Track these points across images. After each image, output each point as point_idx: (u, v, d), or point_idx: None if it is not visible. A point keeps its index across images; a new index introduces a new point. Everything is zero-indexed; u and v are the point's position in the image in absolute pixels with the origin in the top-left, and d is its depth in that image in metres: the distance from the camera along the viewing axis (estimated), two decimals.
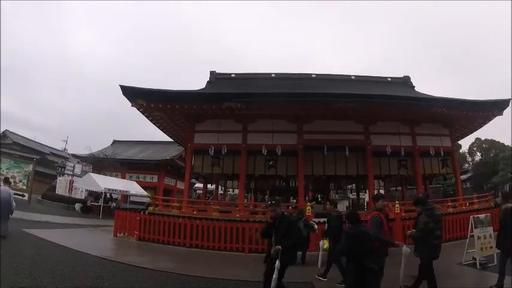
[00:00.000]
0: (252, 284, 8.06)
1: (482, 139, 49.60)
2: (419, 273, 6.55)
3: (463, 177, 29.25)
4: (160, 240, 13.40)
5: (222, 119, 16.12)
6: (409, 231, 7.11)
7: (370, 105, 14.40)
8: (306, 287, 7.99)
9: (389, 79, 20.49)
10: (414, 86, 19.90)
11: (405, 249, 6.66)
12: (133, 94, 14.07)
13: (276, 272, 5.48)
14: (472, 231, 9.13)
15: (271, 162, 15.79)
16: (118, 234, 15.17)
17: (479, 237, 9.00)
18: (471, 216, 9.66)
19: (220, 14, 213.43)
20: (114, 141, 43.33)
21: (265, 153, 15.53)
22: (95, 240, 14.35)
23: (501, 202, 8.00)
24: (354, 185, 26.26)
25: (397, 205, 13.44)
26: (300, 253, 9.97)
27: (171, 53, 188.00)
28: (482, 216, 9.64)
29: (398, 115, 16.02)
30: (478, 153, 52.00)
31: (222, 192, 26.32)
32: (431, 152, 16.48)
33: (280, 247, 5.53)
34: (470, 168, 50.01)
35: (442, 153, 16.70)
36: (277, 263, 5.52)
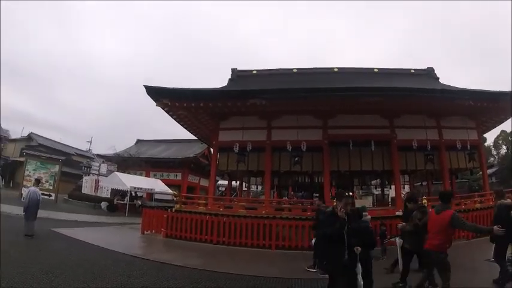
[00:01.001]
0: (281, 280, 8.10)
1: (508, 131, 47.39)
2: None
3: (489, 171, 28.52)
4: (187, 237, 13.53)
5: (246, 116, 16.04)
6: (400, 225, 7.68)
7: (396, 99, 14.02)
8: None
9: (413, 71, 19.98)
10: (438, 78, 19.33)
11: (398, 241, 7.63)
12: (157, 94, 14.10)
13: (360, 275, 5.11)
14: None
15: (296, 159, 15.66)
16: (145, 232, 15.35)
17: None
18: None
19: (237, 13, 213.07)
20: (138, 141, 43.96)
21: (290, 149, 15.37)
22: (123, 238, 14.60)
23: (495, 199, 7.99)
24: (377, 180, 25.92)
25: (425, 201, 13.00)
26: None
27: (190, 53, 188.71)
28: None
29: (424, 108, 15.55)
30: (504, 147, 50.08)
31: (246, 188, 26.29)
32: (457, 146, 15.98)
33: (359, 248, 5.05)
34: (495, 162, 48.58)
35: (468, 146, 16.19)
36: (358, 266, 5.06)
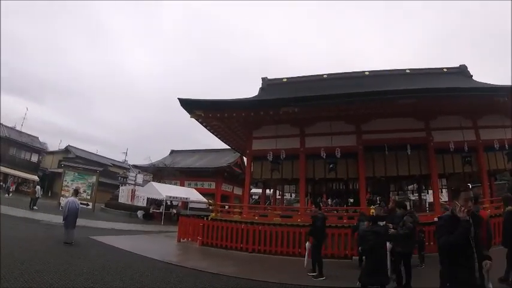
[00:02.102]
0: None
1: None
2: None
3: None
4: (222, 246, 13.66)
5: (279, 124, 16.05)
6: (391, 231, 7.65)
7: (431, 100, 13.59)
8: None
9: (445, 69, 19.32)
10: (472, 76, 18.54)
11: (389, 245, 7.80)
12: (191, 106, 14.38)
13: None
14: None
15: (331, 165, 15.48)
16: (181, 240, 15.54)
17: None
18: None
19: (263, 25, 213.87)
20: (172, 151, 44.94)
21: (324, 156, 15.22)
22: (159, 246, 14.79)
23: (504, 205, 8.04)
24: (414, 185, 25.30)
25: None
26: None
27: (219, 64, 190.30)
28: None
29: (461, 108, 14.96)
30: None
31: (280, 196, 26.20)
32: (495, 146, 15.24)
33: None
34: None
35: (506, 146, 15.47)
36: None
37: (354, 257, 11.77)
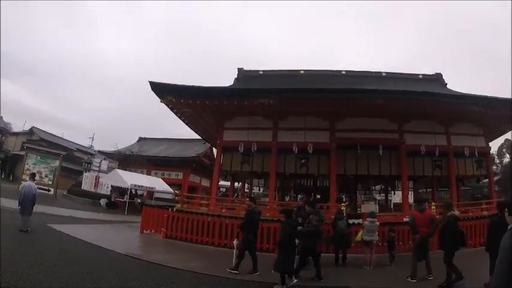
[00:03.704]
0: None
1: None
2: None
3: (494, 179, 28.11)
4: (187, 239, 12.86)
5: (253, 115, 15.60)
6: (299, 228, 8.23)
7: (404, 102, 13.75)
8: None
9: (421, 76, 19.71)
10: (447, 84, 19.04)
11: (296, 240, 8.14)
12: (162, 90, 13.63)
13: None
14: None
15: (303, 161, 15.23)
16: (144, 231, 14.71)
17: None
18: None
19: (242, 15, 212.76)
20: (140, 139, 43.18)
21: (296, 151, 14.95)
22: (121, 237, 14.06)
23: (444, 210, 8.40)
24: (381, 185, 25.35)
25: (433, 207, 13.01)
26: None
27: (196, 55, 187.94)
28: None
29: (433, 113, 15.21)
30: (507, 155, 49.67)
31: (248, 190, 25.67)
32: (465, 152, 15.64)
33: None
34: (498, 170, 47.93)
35: (476, 153, 15.87)
36: None
37: (322, 254, 10.75)
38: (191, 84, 13.94)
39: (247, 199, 10.57)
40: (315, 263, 8.45)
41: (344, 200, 22.98)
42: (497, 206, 8.75)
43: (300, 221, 8.48)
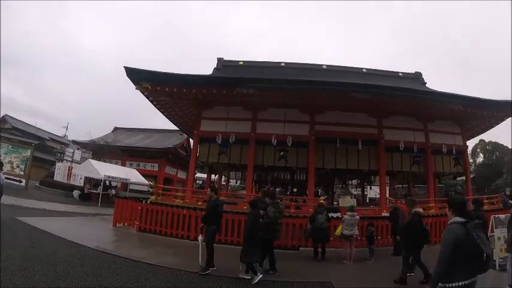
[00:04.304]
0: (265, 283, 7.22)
1: (486, 141, 49.49)
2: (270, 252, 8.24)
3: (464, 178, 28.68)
4: (162, 232, 12.19)
5: (231, 106, 15.08)
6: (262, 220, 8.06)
7: (387, 98, 13.50)
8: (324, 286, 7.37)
9: (401, 74, 19.60)
10: (426, 83, 19.09)
11: None
12: (138, 76, 12.81)
13: None
14: (492, 231, 8.68)
15: (281, 153, 14.85)
16: (117, 224, 13.87)
17: (499, 238, 8.58)
18: (492, 216, 9.11)
19: (226, 12, 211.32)
20: (116, 128, 41.69)
21: (275, 143, 14.62)
22: (93, 231, 13.09)
23: (408, 207, 8.28)
24: (357, 180, 25.24)
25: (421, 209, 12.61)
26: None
27: (178, 50, 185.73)
28: (502, 216, 9.01)
29: (413, 110, 15.28)
30: (481, 155, 51.59)
31: (225, 183, 25.08)
32: (443, 150, 15.98)
33: None
34: (472, 169, 49.22)
35: (454, 151, 16.35)
36: None
37: (301, 248, 11.29)
38: (168, 71, 13.16)
39: (208, 189, 9.68)
40: (269, 255, 8.23)
41: (320, 193, 22.75)
42: (472, 202, 8.68)
43: (261, 213, 8.24)
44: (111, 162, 30.31)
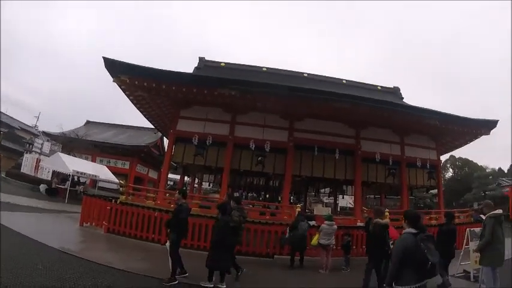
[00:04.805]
0: None
1: (457, 157, 51.29)
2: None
3: (434, 191, 29.28)
4: (132, 235, 11.41)
5: (211, 106, 14.47)
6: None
7: (367, 109, 13.31)
8: None
9: (380, 88, 19.70)
10: (403, 98, 19.32)
11: None
12: (116, 68, 12.06)
13: None
14: (467, 244, 8.97)
15: (259, 158, 14.38)
16: (85, 224, 12.98)
17: (473, 250, 8.37)
18: (467, 229, 9.34)
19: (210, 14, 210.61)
20: (88, 122, 39.64)
21: (253, 148, 14.17)
22: (58, 229, 12.28)
23: (374, 217, 7.94)
24: (329, 189, 25.01)
25: (387, 213, 12.46)
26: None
27: (153, 45, 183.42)
28: (477, 229, 8.90)
29: (391, 123, 15.17)
30: (451, 170, 53.07)
31: (197, 185, 24.35)
32: (418, 163, 16.26)
33: None
34: (436, 183, 50.64)
35: (428, 165, 16.56)
36: None
37: (276, 256, 10.88)
38: (149, 66, 12.52)
39: (176, 193, 9.02)
40: (232, 261, 7.89)
41: (292, 200, 22.44)
42: (445, 216, 9.29)
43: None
44: (80, 157, 28.85)
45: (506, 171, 55.42)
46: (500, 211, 7.25)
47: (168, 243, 7.46)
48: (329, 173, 15.30)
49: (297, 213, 10.90)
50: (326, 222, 9.88)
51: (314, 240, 9.89)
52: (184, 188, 15.32)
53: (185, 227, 7.83)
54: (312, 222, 11.32)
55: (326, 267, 9.45)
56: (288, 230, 10.18)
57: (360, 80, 19.58)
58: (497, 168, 53.74)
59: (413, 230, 3.91)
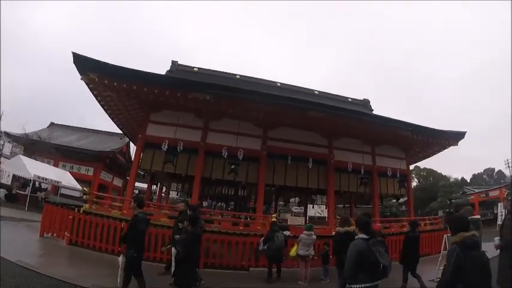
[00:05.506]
0: None
1: (421, 167, 53.23)
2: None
3: (401, 200, 29.79)
4: (96, 247, 10.38)
5: (183, 111, 13.60)
6: (177, 236, 7.65)
7: (341, 120, 13.21)
8: None
9: (350, 99, 19.72)
10: (373, 110, 19.44)
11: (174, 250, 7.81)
12: (86, 65, 10.96)
13: None
14: (445, 249, 9.20)
15: (232, 166, 13.63)
16: (45, 234, 11.76)
17: None
18: (445, 235, 9.75)
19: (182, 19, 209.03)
20: (52, 124, 37.05)
21: (225, 156, 13.50)
22: (17, 240, 10.86)
23: (341, 225, 7.95)
24: (299, 198, 24.51)
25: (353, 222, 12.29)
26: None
27: (124, 47, 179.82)
28: None
29: (363, 133, 15.19)
30: (416, 179, 54.65)
31: (165, 194, 23.21)
32: (388, 173, 16.41)
33: None
34: (406, 192, 51.94)
35: (398, 175, 16.73)
36: None
37: (251, 268, 10.46)
38: (120, 65, 11.44)
39: (132, 201, 7.92)
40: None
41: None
42: (409, 224, 9.62)
43: (180, 226, 7.86)
44: (42, 161, 27.07)
45: (469, 181, 57.38)
46: (478, 216, 7.54)
47: (121, 258, 6.45)
48: (302, 182, 14.99)
49: (271, 223, 10.19)
50: (305, 232, 9.45)
51: (293, 251, 9.52)
52: (141, 196, 14.14)
53: (143, 241, 6.79)
54: (287, 233, 10.83)
55: (305, 278, 9.11)
56: (261, 242, 9.57)
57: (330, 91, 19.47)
58: (460, 178, 55.69)
59: (364, 236, 4.20)
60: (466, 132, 15.83)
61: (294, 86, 18.80)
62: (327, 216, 16.04)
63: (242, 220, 13.30)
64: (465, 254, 3.53)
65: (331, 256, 10.40)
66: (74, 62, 10.86)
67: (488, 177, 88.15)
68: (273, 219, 10.85)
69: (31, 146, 29.20)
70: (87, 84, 11.59)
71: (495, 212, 33.42)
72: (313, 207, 23.48)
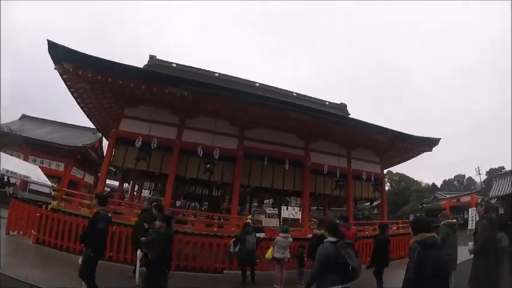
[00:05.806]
0: None
1: (394, 172, 53.97)
2: None
3: (374, 203, 30.18)
4: (64, 247, 9.83)
5: (158, 107, 13.15)
6: (143, 238, 7.16)
7: (320, 122, 13.32)
8: None
9: (327, 103, 19.73)
10: (350, 114, 19.63)
11: (139, 253, 7.38)
12: (61, 54, 10.36)
13: None
14: None
15: (208, 166, 13.22)
16: (11, 232, 11.12)
17: None
18: None
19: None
20: (24, 116, 35.39)
21: (201, 155, 13.08)
22: None
23: (318, 227, 8.06)
24: (273, 199, 24.31)
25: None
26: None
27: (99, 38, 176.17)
28: None
29: (341, 137, 15.20)
30: (388, 184, 55.26)
31: (137, 193, 22.58)
32: (363, 176, 16.53)
33: None
34: (380, 195, 52.86)
35: (373, 178, 16.88)
36: None
37: (225, 271, 10.31)
38: (97, 56, 10.87)
39: (94, 198, 7.33)
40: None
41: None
42: (379, 227, 9.87)
43: (146, 226, 7.45)
44: (12, 155, 25.88)
45: (439, 186, 58.76)
46: (454, 220, 8.02)
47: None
48: (278, 184, 14.88)
49: (244, 224, 9.88)
50: (281, 234, 9.16)
51: (268, 254, 9.19)
52: (104, 193, 13.47)
53: (104, 240, 6.25)
54: (262, 235, 10.61)
55: (280, 281, 8.86)
56: (232, 243, 9.30)
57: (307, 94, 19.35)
58: (431, 183, 56.89)
59: (333, 239, 4.25)
60: (440, 139, 16.09)
61: (272, 86, 18.67)
62: (301, 218, 16.14)
63: (216, 221, 12.99)
64: (425, 252, 3.71)
65: (306, 259, 10.26)
66: (48, 51, 10.27)
67: (459, 184, 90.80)
68: (247, 221, 10.63)
69: (0, 138, 27.89)
70: (61, 75, 11.04)
71: (465, 216, 34.63)
72: (287, 208, 23.47)
